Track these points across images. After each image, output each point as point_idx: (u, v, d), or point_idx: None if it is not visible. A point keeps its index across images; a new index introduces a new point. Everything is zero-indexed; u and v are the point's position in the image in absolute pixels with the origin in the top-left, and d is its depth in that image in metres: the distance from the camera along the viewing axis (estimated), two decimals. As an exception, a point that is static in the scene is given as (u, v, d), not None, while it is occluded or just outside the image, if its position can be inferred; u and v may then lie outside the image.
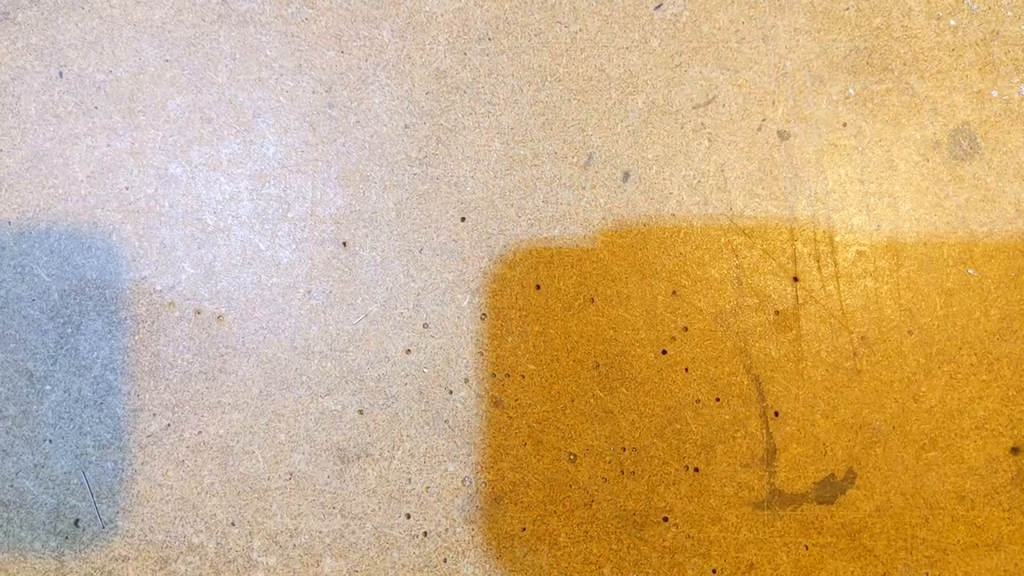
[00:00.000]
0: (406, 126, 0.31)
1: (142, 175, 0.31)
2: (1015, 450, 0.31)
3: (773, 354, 0.31)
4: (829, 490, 0.31)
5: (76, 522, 0.31)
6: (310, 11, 0.31)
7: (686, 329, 0.31)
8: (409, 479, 0.31)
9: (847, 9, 0.31)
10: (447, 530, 0.31)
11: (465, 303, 0.31)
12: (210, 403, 0.31)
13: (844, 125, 0.31)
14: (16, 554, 0.31)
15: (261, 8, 0.31)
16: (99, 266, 0.31)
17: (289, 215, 0.31)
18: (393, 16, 0.31)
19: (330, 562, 0.31)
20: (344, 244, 0.31)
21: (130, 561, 0.31)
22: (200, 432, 0.31)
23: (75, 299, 0.31)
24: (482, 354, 0.31)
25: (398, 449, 0.31)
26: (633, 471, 0.31)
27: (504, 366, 0.31)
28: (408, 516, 0.31)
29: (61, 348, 0.31)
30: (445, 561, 0.31)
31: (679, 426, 0.31)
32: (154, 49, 0.32)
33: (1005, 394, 0.31)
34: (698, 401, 0.31)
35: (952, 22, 0.31)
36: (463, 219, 0.31)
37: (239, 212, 0.31)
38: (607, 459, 0.31)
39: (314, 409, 0.31)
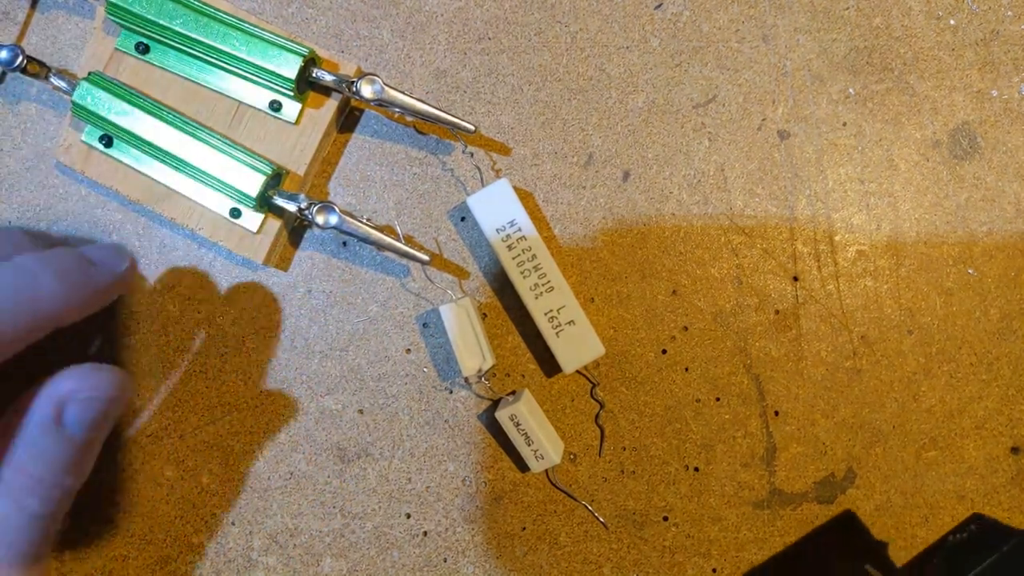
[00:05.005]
0: (407, 126, 0.31)
1: (142, 175, 0.31)
2: (1015, 450, 0.31)
3: (773, 354, 0.31)
4: (829, 490, 0.31)
5: (76, 522, 0.31)
6: (310, 11, 0.31)
7: (686, 329, 0.31)
8: (409, 479, 0.31)
9: (847, 9, 0.31)
10: (447, 530, 0.31)
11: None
12: (210, 403, 0.31)
13: (844, 125, 0.31)
14: (16, 554, 0.31)
15: (261, 8, 0.31)
16: (99, 266, 0.31)
17: (289, 215, 0.31)
18: (393, 16, 0.31)
19: (330, 562, 0.31)
20: (344, 244, 0.31)
21: (130, 561, 0.31)
22: (200, 432, 0.31)
23: (75, 299, 0.31)
24: (482, 354, 0.31)
25: (398, 449, 0.31)
26: (633, 471, 0.31)
27: (504, 366, 0.31)
28: (408, 516, 0.31)
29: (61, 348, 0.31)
30: (445, 561, 0.31)
31: (679, 426, 0.31)
32: (154, 49, 0.32)
33: (1005, 394, 0.31)
34: (698, 401, 0.31)
35: (952, 22, 0.31)
36: (463, 219, 0.31)
37: (239, 212, 0.31)
38: (607, 459, 0.31)
39: (314, 409, 0.31)
